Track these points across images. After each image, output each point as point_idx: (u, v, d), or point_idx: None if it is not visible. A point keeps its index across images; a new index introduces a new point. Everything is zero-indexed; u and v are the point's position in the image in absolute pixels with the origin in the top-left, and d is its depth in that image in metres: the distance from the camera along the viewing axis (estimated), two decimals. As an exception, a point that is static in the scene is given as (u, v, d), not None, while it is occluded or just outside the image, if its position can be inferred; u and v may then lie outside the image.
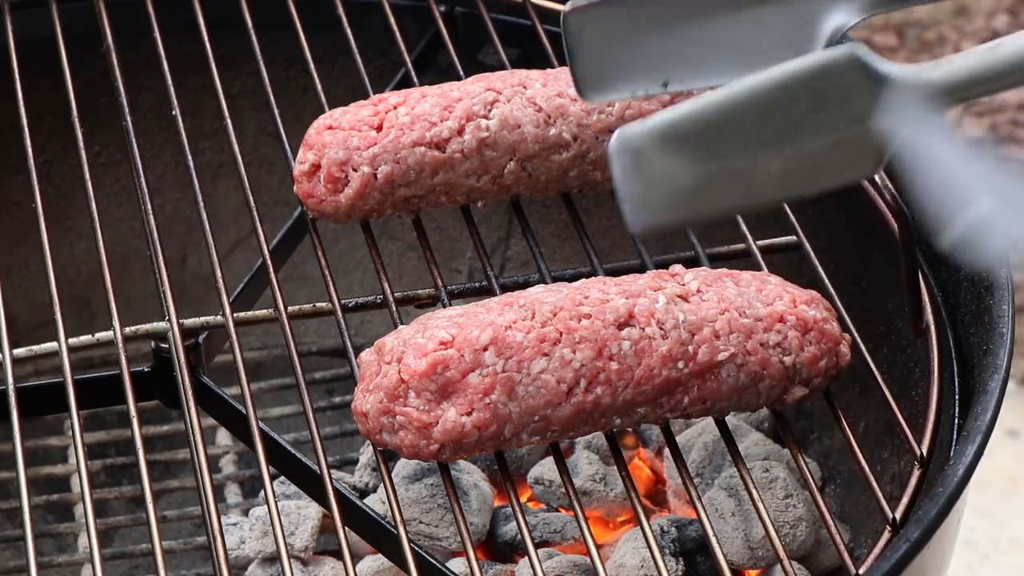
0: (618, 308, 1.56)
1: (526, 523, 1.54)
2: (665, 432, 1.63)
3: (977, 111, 3.80)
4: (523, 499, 1.96)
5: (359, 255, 2.37)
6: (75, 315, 2.33)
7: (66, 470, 2.18)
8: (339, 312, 1.72)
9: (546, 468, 1.93)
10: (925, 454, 1.62)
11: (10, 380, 1.62)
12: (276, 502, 1.53)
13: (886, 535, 1.55)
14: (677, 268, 1.64)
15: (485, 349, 1.53)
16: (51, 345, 1.69)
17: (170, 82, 1.90)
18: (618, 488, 1.92)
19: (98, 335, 1.71)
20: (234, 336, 1.68)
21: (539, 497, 1.94)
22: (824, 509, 1.57)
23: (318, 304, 1.75)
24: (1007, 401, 1.60)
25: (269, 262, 1.76)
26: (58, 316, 1.67)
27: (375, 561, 1.86)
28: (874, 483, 1.58)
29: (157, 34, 1.95)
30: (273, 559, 1.88)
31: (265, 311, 1.74)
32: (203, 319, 1.73)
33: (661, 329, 1.56)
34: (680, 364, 1.56)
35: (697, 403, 1.58)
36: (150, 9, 1.99)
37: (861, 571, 1.51)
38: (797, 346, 1.60)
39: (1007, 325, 1.63)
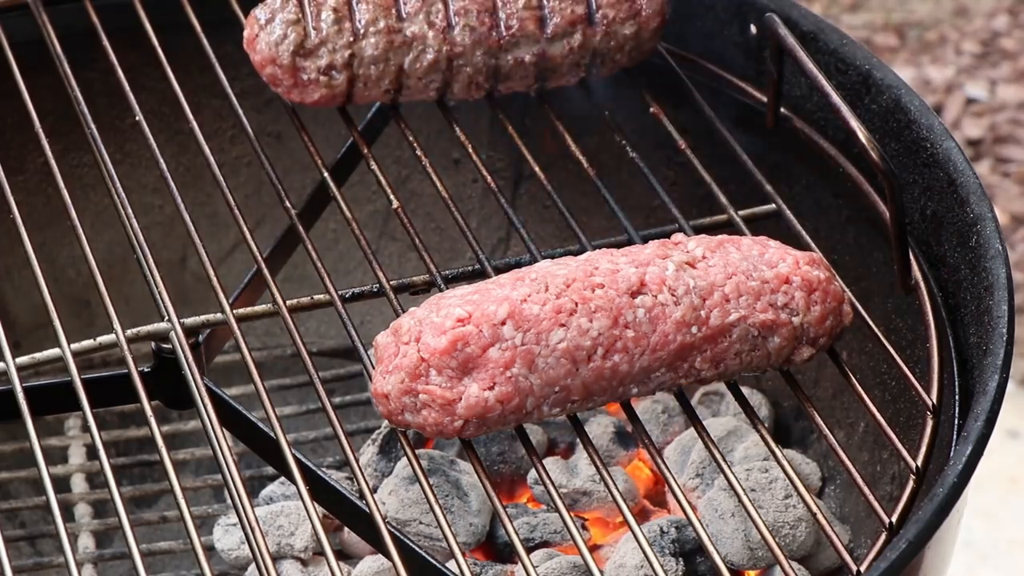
0: (630, 277, 1.58)
1: (553, 488, 1.53)
2: (646, 436, 1.64)
3: (977, 111, 3.80)
4: (523, 500, 1.96)
5: (359, 255, 2.36)
6: (75, 315, 2.32)
7: (66, 470, 2.18)
8: (338, 303, 1.72)
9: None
10: (925, 454, 1.62)
11: (16, 383, 1.62)
12: (319, 516, 1.55)
13: (884, 535, 1.55)
14: (679, 236, 1.66)
15: (503, 323, 1.54)
16: (54, 352, 1.68)
17: (127, 87, 1.90)
18: (619, 488, 1.91)
19: (100, 339, 1.71)
20: (237, 332, 1.68)
21: (539, 498, 1.94)
22: (816, 507, 1.57)
23: (316, 296, 1.75)
24: (1007, 401, 1.60)
25: (260, 259, 1.77)
26: (57, 324, 1.67)
27: (375, 561, 1.86)
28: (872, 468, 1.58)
29: (198, 30, 1.97)
30: (273, 559, 1.88)
31: (264, 306, 1.74)
32: (203, 317, 1.73)
33: (673, 296, 1.58)
34: (694, 329, 1.58)
35: (710, 367, 1.60)
36: (188, 8, 2.00)
37: (861, 568, 1.51)
38: (804, 306, 1.62)
39: (1007, 325, 1.63)
